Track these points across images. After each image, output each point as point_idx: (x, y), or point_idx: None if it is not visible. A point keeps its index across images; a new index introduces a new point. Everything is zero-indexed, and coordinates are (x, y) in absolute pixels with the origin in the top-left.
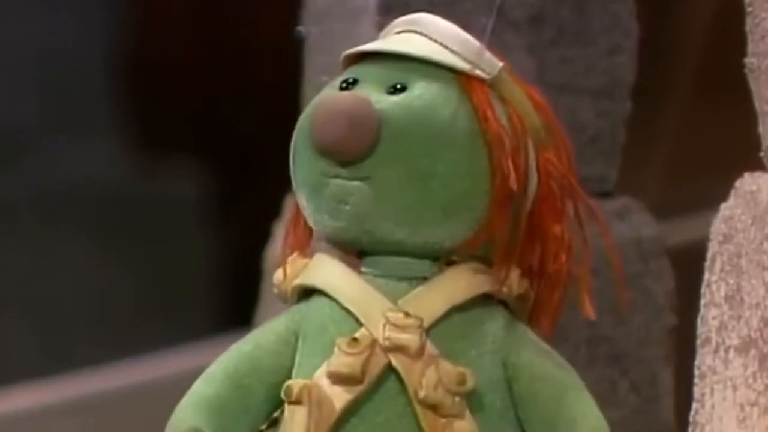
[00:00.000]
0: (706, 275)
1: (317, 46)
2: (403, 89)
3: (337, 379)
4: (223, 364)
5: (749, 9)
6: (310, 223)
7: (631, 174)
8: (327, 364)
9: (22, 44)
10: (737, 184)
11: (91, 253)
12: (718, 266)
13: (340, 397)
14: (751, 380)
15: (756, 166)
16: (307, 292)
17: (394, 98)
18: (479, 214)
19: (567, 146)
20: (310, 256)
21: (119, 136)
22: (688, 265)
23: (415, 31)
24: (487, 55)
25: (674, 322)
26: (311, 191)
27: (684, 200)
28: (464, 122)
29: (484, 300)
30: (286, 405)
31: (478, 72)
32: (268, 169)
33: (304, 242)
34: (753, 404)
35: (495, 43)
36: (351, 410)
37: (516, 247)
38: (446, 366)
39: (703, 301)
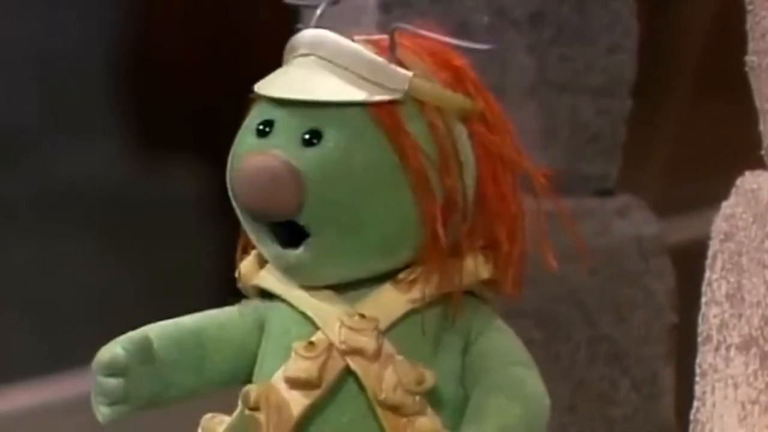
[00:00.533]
0: (707, 273)
1: None
2: (317, 137)
3: (294, 384)
4: (199, 319)
5: (749, 7)
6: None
7: (632, 172)
8: (284, 369)
9: (23, 44)
10: (738, 182)
11: (91, 252)
12: (719, 264)
13: (297, 401)
14: (752, 378)
15: (757, 164)
16: (265, 293)
17: (311, 153)
18: (417, 240)
19: (495, 109)
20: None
21: (119, 136)
22: (689, 263)
23: (316, 55)
24: (392, 69)
25: (675, 321)
26: (259, 244)
27: (685, 198)
28: (384, 159)
29: (445, 294)
30: (243, 409)
31: (386, 95)
32: None
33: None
34: (754, 402)
35: (496, 42)
36: (311, 414)
37: (467, 242)
38: (404, 366)
39: (704, 300)
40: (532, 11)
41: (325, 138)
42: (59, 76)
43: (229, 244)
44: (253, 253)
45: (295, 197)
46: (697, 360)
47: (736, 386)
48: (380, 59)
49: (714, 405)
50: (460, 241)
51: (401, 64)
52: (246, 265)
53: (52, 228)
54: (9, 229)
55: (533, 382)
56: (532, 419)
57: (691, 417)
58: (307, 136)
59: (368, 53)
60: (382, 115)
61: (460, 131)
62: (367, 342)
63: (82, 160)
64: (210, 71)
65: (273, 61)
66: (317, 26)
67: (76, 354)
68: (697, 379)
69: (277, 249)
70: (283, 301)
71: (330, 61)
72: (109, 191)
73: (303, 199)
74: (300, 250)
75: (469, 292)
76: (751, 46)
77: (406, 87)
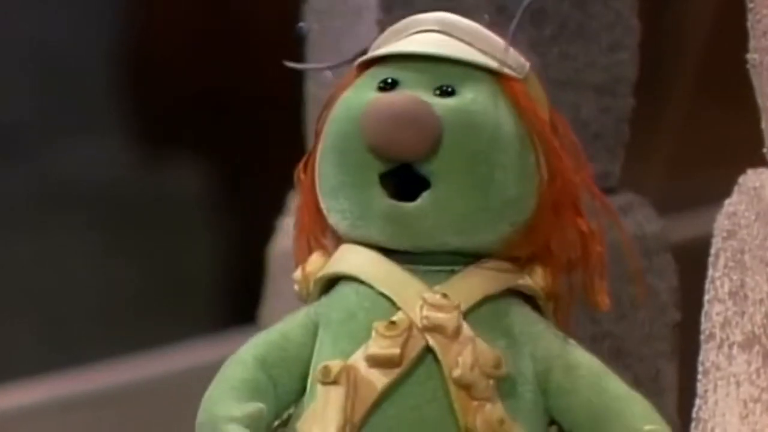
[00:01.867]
0: (710, 271)
1: (319, 43)
2: (452, 92)
3: (375, 362)
4: (254, 351)
5: (750, 5)
6: (339, 227)
7: (635, 170)
8: (365, 347)
9: (23, 41)
10: (740, 180)
11: (92, 249)
12: (721, 262)
13: (378, 380)
14: (754, 376)
15: (759, 162)
16: (328, 287)
17: (449, 102)
18: (527, 215)
19: (575, 142)
20: (330, 254)
21: (120, 133)
22: (692, 261)
23: (439, 31)
24: (513, 53)
25: (678, 319)
26: (358, 201)
27: (687, 196)
28: (513, 125)
29: (512, 295)
30: (318, 387)
31: (511, 72)
32: (270, 165)
33: (322, 242)
34: (756, 400)
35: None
36: (388, 392)
37: (549, 240)
38: (483, 347)
39: (706, 297)
40: (533, 9)
41: (461, 92)
42: (59, 73)
43: (232, 240)
44: (315, 254)
45: (435, 137)
46: (700, 358)
47: (738, 384)
48: (502, 42)
49: (716, 403)
50: (552, 235)
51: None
52: (311, 264)
53: (53, 225)
54: (10, 226)
55: (633, 393)
56: None
57: (694, 415)
58: (439, 91)
59: (490, 33)
60: (512, 86)
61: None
62: (449, 319)
63: (83, 157)
64: (212, 67)
65: (275, 57)
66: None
67: (78, 350)
68: (700, 377)
69: (388, 201)
70: (354, 282)
71: (455, 36)
72: (110, 188)
73: (439, 139)
74: (418, 202)
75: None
76: (752, 43)
77: (526, 71)
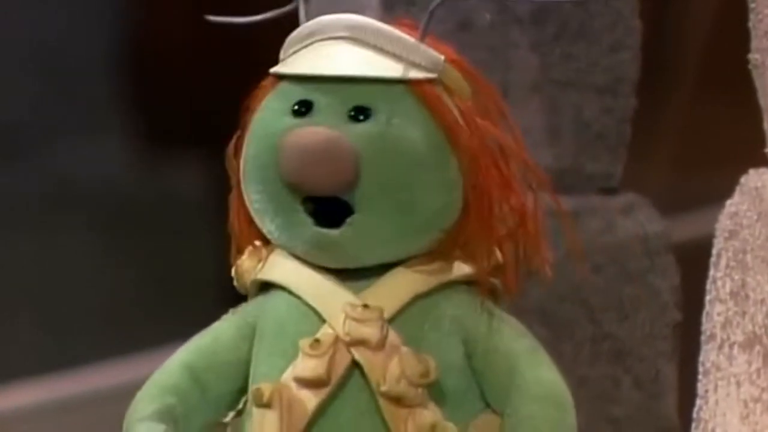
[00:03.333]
0: (712, 271)
1: None
2: (366, 114)
3: (304, 383)
4: (182, 356)
5: (752, 5)
6: (271, 238)
7: (637, 170)
8: (293, 368)
9: (25, 41)
10: (742, 180)
11: (94, 249)
12: (723, 262)
13: (309, 399)
14: (755, 376)
15: (761, 162)
16: (267, 286)
17: (364, 128)
18: (453, 219)
19: (497, 101)
20: (269, 249)
21: (123, 132)
22: (694, 261)
23: (347, 38)
24: (425, 49)
25: (679, 319)
26: (283, 225)
27: (689, 196)
28: (432, 136)
29: (456, 284)
30: (254, 407)
31: (424, 74)
32: None
33: (257, 237)
34: (757, 400)
35: (499, 39)
36: (321, 410)
37: (493, 227)
38: (409, 357)
39: (708, 297)
40: (535, 9)
41: (376, 114)
42: (60, 73)
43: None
44: (248, 250)
45: (351, 172)
46: (700, 358)
47: (738, 384)
48: (414, 41)
49: (717, 403)
50: (493, 225)
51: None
52: (245, 262)
53: (54, 225)
54: (11, 226)
55: (546, 375)
56: (567, 423)
57: (694, 415)
58: (353, 113)
59: (402, 34)
60: (424, 92)
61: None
62: (371, 333)
63: (84, 157)
64: (214, 68)
65: (276, 59)
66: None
67: (80, 351)
68: (700, 377)
69: (314, 228)
70: (285, 291)
71: (363, 42)
72: (111, 188)
73: (357, 172)
74: (343, 229)
75: (469, 283)
76: (753, 44)
77: (440, 67)
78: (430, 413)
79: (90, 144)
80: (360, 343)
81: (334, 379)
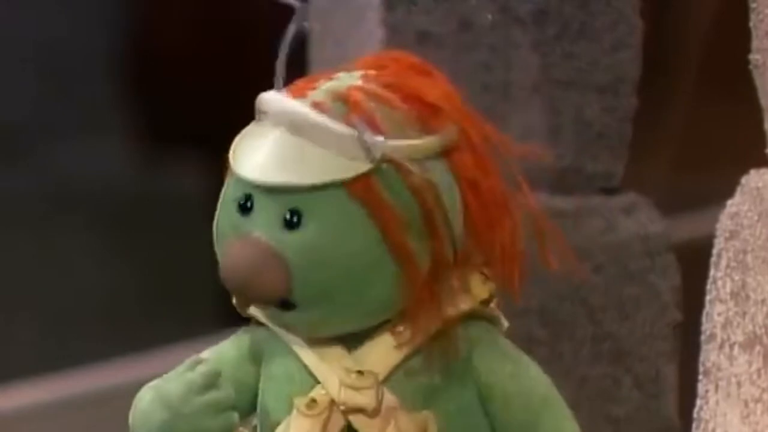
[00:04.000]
0: (712, 271)
1: (321, 43)
2: (298, 219)
3: None
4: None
5: (753, 5)
6: None
7: (638, 170)
8: (286, 425)
9: (26, 41)
10: (743, 180)
11: (95, 249)
12: (723, 262)
13: None
14: (755, 377)
15: (762, 162)
16: None
17: (292, 237)
18: (406, 295)
19: (478, 140)
20: None
21: (124, 133)
22: (694, 261)
23: (291, 128)
24: (364, 140)
25: (679, 319)
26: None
27: (690, 196)
28: (367, 238)
29: (446, 328)
30: None
31: (361, 168)
32: None
33: None
34: (757, 401)
35: (500, 39)
36: None
37: (459, 271)
38: (405, 420)
39: (708, 298)
40: (536, 9)
41: (305, 221)
42: (62, 73)
43: None
44: None
45: (282, 283)
46: (701, 358)
47: (739, 384)
48: (349, 132)
49: (717, 403)
50: (451, 272)
51: (372, 122)
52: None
53: (55, 225)
54: (13, 225)
55: (569, 427)
56: None
57: (695, 415)
58: (287, 217)
59: (337, 126)
60: (359, 189)
61: (441, 170)
62: (368, 400)
63: (85, 157)
64: (214, 67)
65: (276, 57)
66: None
67: (80, 350)
68: (701, 377)
69: (272, 309)
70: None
71: (304, 136)
72: (112, 188)
73: (290, 283)
74: (292, 314)
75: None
76: (754, 44)
77: (378, 156)
78: None
79: (90, 144)
80: (356, 410)
81: None
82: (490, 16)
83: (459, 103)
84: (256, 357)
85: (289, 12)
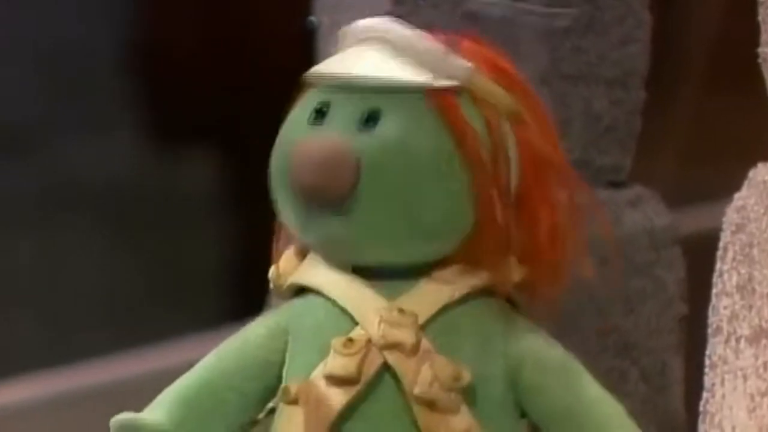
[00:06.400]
0: (718, 265)
1: (329, 37)
2: (375, 119)
3: (333, 380)
4: (211, 361)
5: None
6: (298, 239)
7: (645, 163)
8: (324, 365)
9: (33, 37)
10: (750, 174)
11: (102, 246)
12: (730, 256)
13: (337, 397)
14: (761, 370)
15: None
16: (302, 289)
17: (369, 135)
18: (463, 230)
19: (546, 118)
20: (304, 252)
21: (132, 128)
22: (701, 254)
23: (375, 39)
24: (453, 58)
25: (685, 312)
26: (296, 224)
27: (697, 190)
28: (441, 145)
29: (482, 294)
30: (281, 404)
31: (446, 82)
32: None
33: (293, 242)
34: (763, 394)
35: (509, 33)
36: (348, 410)
37: (507, 240)
38: (441, 362)
39: (714, 291)
40: (545, 2)
41: (383, 121)
42: (70, 70)
43: (241, 234)
44: (288, 251)
45: (351, 178)
46: (707, 351)
47: (745, 378)
48: (441, 47)
49: (723, 396)
50: (506, 238)
51: (465, 56)
52: (284, 262)
53: (62, 223)
54: (22, 224)
55: (605, 395)
56: None
57: (701, 408)
58: (365, 118)
59: (430, 41)
60: (440, 101)
61: (507, 131)
62: (406, 337)
63: (94, 154)
64: (223, 62)
65: (286, 51)
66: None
67: (86, 345)
68: (707, 370)
69: (321, 221)
70: (320, 295)
71: (391, 47)
72: (121, 185)
73: (356, 180)
74: (347, 219)
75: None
76: (763, 37)
77: (465, 77)
78: (463, 419)
79: (97, 141)
80: (394, 346)
81: (364, 379)
82: (498, 10)
83: (527, 85)
84: (283, 335)
85: (298, 11)
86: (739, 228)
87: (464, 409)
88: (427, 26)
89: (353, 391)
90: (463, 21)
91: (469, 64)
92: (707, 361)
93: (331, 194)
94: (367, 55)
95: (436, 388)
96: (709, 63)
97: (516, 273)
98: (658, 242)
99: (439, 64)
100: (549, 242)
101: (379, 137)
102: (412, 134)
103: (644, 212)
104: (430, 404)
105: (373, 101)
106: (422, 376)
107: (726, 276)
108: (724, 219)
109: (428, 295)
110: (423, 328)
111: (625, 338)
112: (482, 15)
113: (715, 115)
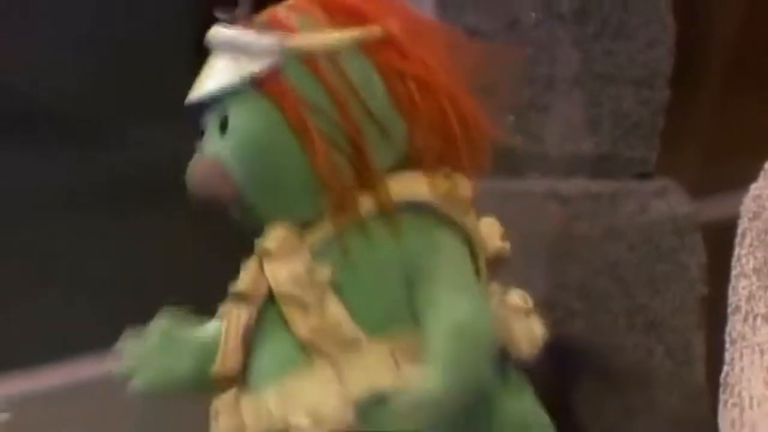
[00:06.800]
0: (737, 249)
1: None
2: (225, 125)
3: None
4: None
5: None
6: None
7: (669, 157)
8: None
9: (100, 29)
10: (766, 165)
11: (175, 234)
12: (747, 241)
13: (243, 312)
14: None
15: None
16: None
17: (224, 140)
18: (333, 178)
19: (406, 27)
20: None
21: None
22: (721, 240)
23: (219, 47)
24: (258, 41)
25: (705, 293)
26: None
27: (717, 181)
28: (275, 129)
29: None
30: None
31: (261, 65)
32: None
33: None
34: None
35: (544, 37)
36: (255, 321)
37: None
38: (300, 262)
39: (733, 273)
40: (577, 8)
41: (229, 123)
42: (128, 62)
43: None
44: None
45: (229, 186)
46: (727, 329)
47: (762, 353)
48: (245, 37)
49: (742, 370)
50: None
51: (285, 26)
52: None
53: (132, 209)
54: (90, 211)
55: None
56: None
57: (721, 380)
58: (220, 127)
59: (236, 33)
60: (266, 85)
61: (360, 64)
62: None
63: (159, 143)
64: None
65: None
66: None
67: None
68: (727, 346)
69: (243, 217)
70: None
71: (228, 51)
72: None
73: (234, 185)
74: (252, 210)
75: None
76: None
77: (277, 51)
78: (323, 313)
79: (164, 131)
80: (265, 254)
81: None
82: (533, 15)
83: (385, 6)
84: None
85: None
86: (756, 215)
87: (328, 302)
88: (471, 30)
89: (255, 304)
90: (503, 25)
91: (275, 39)
92: (727, 338)
93: (220, 201)
94: (213, 66)
95: (292, 284)
96: (728, 65)
97: (421, 190)
98: (681, 229)
99: (251, 51)
100: (459, 121)
101: (227, 140)
102: (246, 125)
103: (668, 202)
104: (290, 300)
105: (223, 109)
106: (281, 275)
107: (744, 260)
108: (741, 207)
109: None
110: (325, 252)
111: (651, 317)
112: (521, 20)
113: (734, 113)
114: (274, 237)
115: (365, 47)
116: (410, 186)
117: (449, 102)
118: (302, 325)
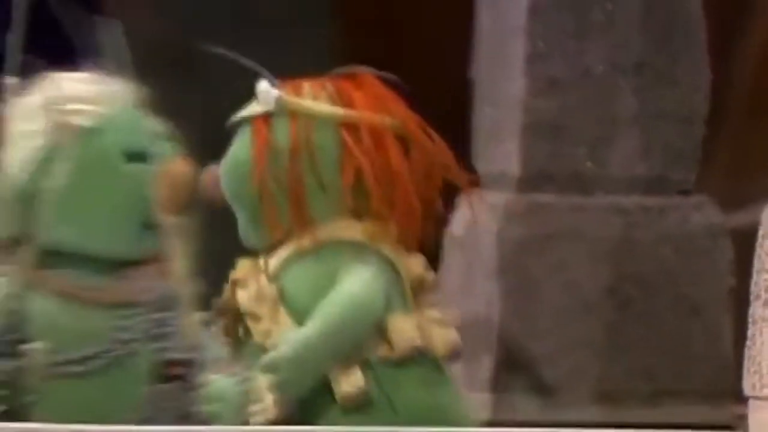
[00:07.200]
0: (758, 250)
1: (482, 85)
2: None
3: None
4: None
5: None
6: None
7: (705, 178)
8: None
9: None
10: None
11: None
12: (766, 243)
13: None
14: None
15: None
16: None
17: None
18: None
19: (377, 120)
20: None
21: None
22: (745, 242)
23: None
24: (266, 92)
25: (733, 284)
26: None
27: (741, 196)
28: (245, 157)
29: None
30: None
31: (259, 109)
32: None
33: None
34: None
35: (608, 84)
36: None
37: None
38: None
39: (755, 268)
40: (635, 62)
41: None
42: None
43: None
44: None
45: (221, 193)
46: (750, 312)
47: None
48: (261, 87)
49: (762, 344)
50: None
51: (296, 91)
52: None
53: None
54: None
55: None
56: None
57: (745, 353)
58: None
59: (264, 86)
60: (255, 125)
61: (331, 137)
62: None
63: None
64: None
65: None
66: None
67: None
68: (750, 326)
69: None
70: None
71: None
72: None
73: (220, 191)
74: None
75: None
76: None
77: (272, 103)
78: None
79: None
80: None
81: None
82: (601, 67)
83: (383, 105)
84: None
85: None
86: None
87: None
88: (552, 79)
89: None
90: (578, 75)
91: (276, 93)
92: (750, 319)
93: (217, 204)
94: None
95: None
96: (751, 103)
97: (355, 232)
98: (714, 235)
99: (261, 98)
100: (395, 207)
101: (224, 160)
102: (233, 147)
103: (704, 213)
104: (252, 316)
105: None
106: (243, 297)
107: (764, 257)
108: (762, 216)
109: (280, 254)
110: (276, 276)
111: (691, 303)
112: (592, 71)
113: (755, 144)
114: (240, 268)
115: (343, 126)
116: (345, 229)
117: (387, 188)
118: (257, 332)
